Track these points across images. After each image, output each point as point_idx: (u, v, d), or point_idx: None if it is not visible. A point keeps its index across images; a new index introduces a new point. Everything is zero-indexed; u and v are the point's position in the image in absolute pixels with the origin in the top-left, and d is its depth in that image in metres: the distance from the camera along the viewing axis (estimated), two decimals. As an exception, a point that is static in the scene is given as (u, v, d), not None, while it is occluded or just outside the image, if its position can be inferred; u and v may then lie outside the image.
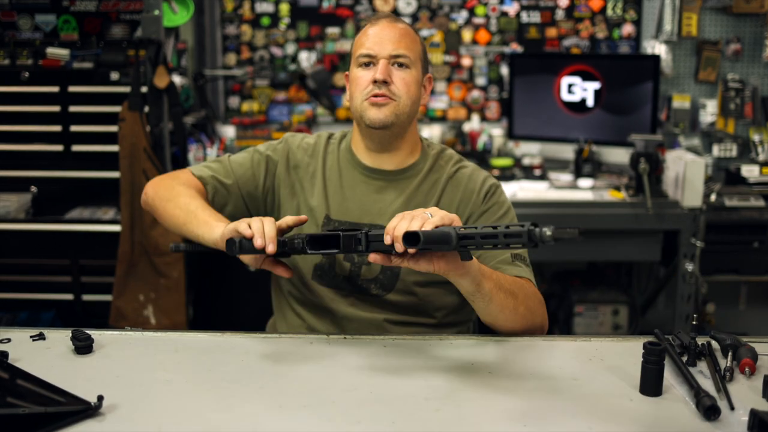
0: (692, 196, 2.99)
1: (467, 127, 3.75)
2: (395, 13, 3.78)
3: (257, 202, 1.72)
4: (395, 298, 1.62)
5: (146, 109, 2.95)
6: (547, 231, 1.08)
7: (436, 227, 1.22)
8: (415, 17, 3.80)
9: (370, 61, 1.61)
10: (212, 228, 1.48)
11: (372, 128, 1.61)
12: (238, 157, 1.74)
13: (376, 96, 1.59)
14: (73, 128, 3.10)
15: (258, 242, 1.32)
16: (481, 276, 1.35)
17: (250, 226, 1.35)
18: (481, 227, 1.17)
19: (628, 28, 3.74)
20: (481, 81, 3.83)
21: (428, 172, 1.69)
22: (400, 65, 1.61)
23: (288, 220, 1.44)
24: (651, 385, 1.23)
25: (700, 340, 1.40)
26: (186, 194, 1.60)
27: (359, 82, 1.61)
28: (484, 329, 1.57)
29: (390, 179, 1.68)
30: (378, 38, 1.61)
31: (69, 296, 3.13)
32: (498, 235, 1.14)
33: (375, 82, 1.58)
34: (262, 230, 1.34)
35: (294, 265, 1.63)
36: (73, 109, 3.09)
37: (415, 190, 1.67)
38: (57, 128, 3.11)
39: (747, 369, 1.31)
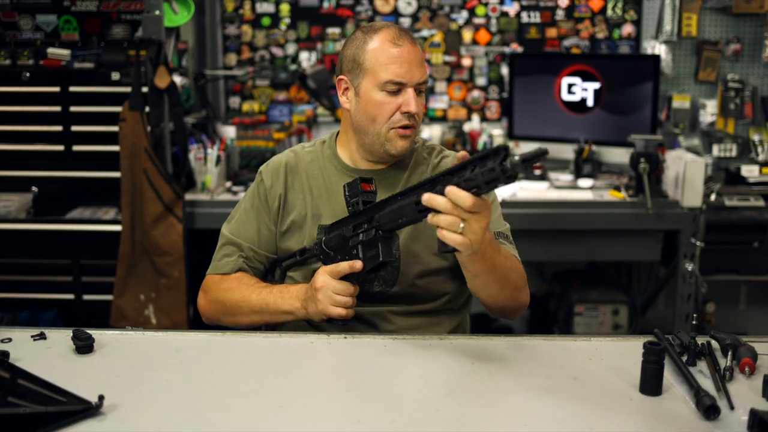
0: (692, 196, 2.99)
1: (467, 127, 3.75)
2: (395, 14, 3.79)
3: (275, 245, 1.71)
4: (397, 292, 1.64)
5: (147, 109, 2.95)
6: (515, 158, 1.16)
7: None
8: (415, 17, 3.80)
9: (399, 88, 1.58)
10: (294, 314, 1.57)
11: (395, 156, 1.63)
12: (239, 227, 1.71)
13: (405, 128, 1.59)
14: (74, 128, 3.10)
15: (351, 313, 1.50)
16: (478, 257, 1.36)
17: (334, 305, 1.48)
18: (462, 180, 1.23)
19: (628, 28, 3.74)
20: (481, 81, 3.83)
21: (414, 165, 1.70)
22: (419, 92, 1.61)
23: (343, 269, 1.48)
24: (651, 385, 1.23)
25: (700, 340, 1.40)
26: (242, 298, 1.62)
27: (385, 109, 1.58)
28: (480, 328, 1.58)
29: (379, 178, 1.64)
30: (407, 64, 1.58)
31: (70, 296, 3.13)
32: (480, 186, 1.21)
33: (406, 113, 1.57)
34: (347, 304, 1.48)
35: (297, 280, 1.67)
36: (73, 109, 3.09)
37: (404, 184, 1.66)
38: (58, 128, 3.11)
39: (747, 369, 1.31)
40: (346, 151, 1.70)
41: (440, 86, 3.85)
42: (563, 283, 3.50)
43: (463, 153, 1.30)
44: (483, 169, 1.19)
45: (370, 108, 1.60)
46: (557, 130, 3.52)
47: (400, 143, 1.60)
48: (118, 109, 2.94)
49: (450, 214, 1.24)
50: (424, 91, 1.62)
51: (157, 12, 2.96)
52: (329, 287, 1.48)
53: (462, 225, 1.24)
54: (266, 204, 1.69)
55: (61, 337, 1.45)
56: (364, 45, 1.61)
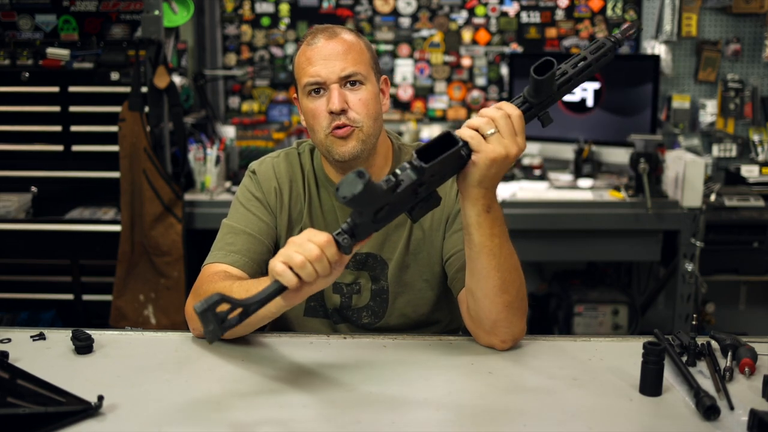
0: (692, 196, 2.99)
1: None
2: (395, 14, 3.79)
3: (275, 239, 1.60)
4: (385, 325, 1.60)
5: (146, 109, 2.95)
6: (616, 34, 1.29)
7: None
8: (414, 17, 3.80)
9: (319, 88, 1.47)
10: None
11: (342, 162, 1.50)
12: (241, 218, 1.56)
13: (338, 128, 1.46)
14: (74, 128, 3.10)
15: (293, 282, 1.16)
16: (486, 222, 1.27)
17: (309, 266, 1.16)
18: (571, 64, 1.28)
19: (628, 28, 3.73)
20: (481, 81, 3.83)
21: None
22: (353, 83, 1.47)
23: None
24: (651, 385, 1.23)
25: (700, 340, 1.40)
26: (223, 288, 1.37)
27: (315, 115, 1.48)
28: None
29: None
30: (322, 60, 1.46)
31: (69, 296, 3.13)
32: (591, 64, 1.28)
33: (332, 113, 1.46)
34: (300, 261, 1.15)
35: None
36: (73, 109, 3.09)
37: None
38: (57, 128, 3.11)
39: (747, 369, 1.31)
40: (327, 167, 1.60)
41: (440, 86, 3.85)
42: (563, 283, 3.50)
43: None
44: (591, 47, 1.27)
45: (307, 118, 1.51)
46: (557, 130, 3.50)
47: (339, 147, 1.47)
48: (118, 109, 2.94)
49: (484, 117, 1.23)
50: (361, 81, 1.47)
51: (157, 12, 2.96)
52: (301, 239, 1.18)
53: (492, 131, 1.22)
54: (264, 198, 1.59)
55: (60, 338, 1.45)
56: (294, 57, 1.54)
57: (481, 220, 1.28)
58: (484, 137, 1.22)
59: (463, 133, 1.23)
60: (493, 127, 1.22)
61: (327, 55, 1.46)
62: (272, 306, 1.23)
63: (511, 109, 1.24)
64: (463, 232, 1.33)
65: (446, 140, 1.21)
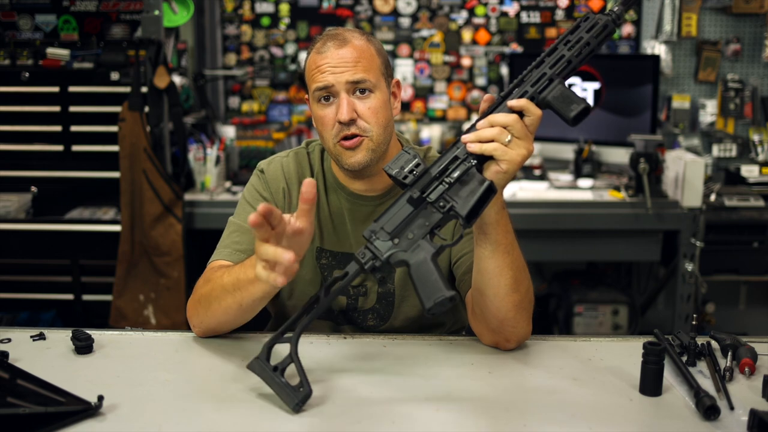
0: (692, 196, 2.99)
1: (467, 127, 3.75)
2: (395, 14, 3.79)
3: None
4: (390, 328, 1.59)
5: (146, 109, 2.95)
6: (614, 9, 1.27)
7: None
8: (414, 17, 3.80)
9: (328, 95, 1.45)
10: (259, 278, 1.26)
11: (352, 171, 1.50)
12: (248, 217, 1.60)
13: (346, 139, 1.45)
14: (74, 128, 3.10)
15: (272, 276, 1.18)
16: (504, 219, 1.30)
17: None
18: (567, 46, 1.28)
19: (627, 28, 3.74)
20: (480, 81, 3.83)
21: None
22: (363, 91, 1.45)
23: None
24: (651, 385, 1.23)
25: (700, 340, 1.40)
26: (216, 281, 1.40)
27: (324, 122, 1.46)
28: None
29: (378, 203, 1.57)
30: (331, 66, 1.44)
31: (69, 296, 3.13)
32: (590, 42, 1.29)
33: (339, 122, 1.44)
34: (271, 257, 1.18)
35: (293, 305, 1.59)
36: (73, 109, 3.09)
37: None
38: (57, 128, 3.11)
39: (747, 369, 1.31)
40: (336, 169, 1.60)
41: (440, 86, 3.85)
42: (563, 283, 3.50)
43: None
44: (587, 25, 1.26)
45: (316, 124, 1.50)
46: (557, 129, 3.51)
47: (348, 157, 1.46)
48: (118, 109, 2.94)
49: (496, 126, 1.22)
50: (370, 89, 1.46)
51: (157, 12, 2.96)
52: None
53: (509, 138, 1.21)
54: (272, 198, 1.59)
55: (60, 338, 1.45)
56: (305, 61, 1.54)
57: (499, 217, 1.29)
58: (505, 145, 1.23)
59: (485, 148, 1.23)
60: (508, 135, 1.23)
61: (337, 63, 1.44)
62: (257, 293, 1.31)
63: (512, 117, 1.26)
64: (476, 232, 1.32)
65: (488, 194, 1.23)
